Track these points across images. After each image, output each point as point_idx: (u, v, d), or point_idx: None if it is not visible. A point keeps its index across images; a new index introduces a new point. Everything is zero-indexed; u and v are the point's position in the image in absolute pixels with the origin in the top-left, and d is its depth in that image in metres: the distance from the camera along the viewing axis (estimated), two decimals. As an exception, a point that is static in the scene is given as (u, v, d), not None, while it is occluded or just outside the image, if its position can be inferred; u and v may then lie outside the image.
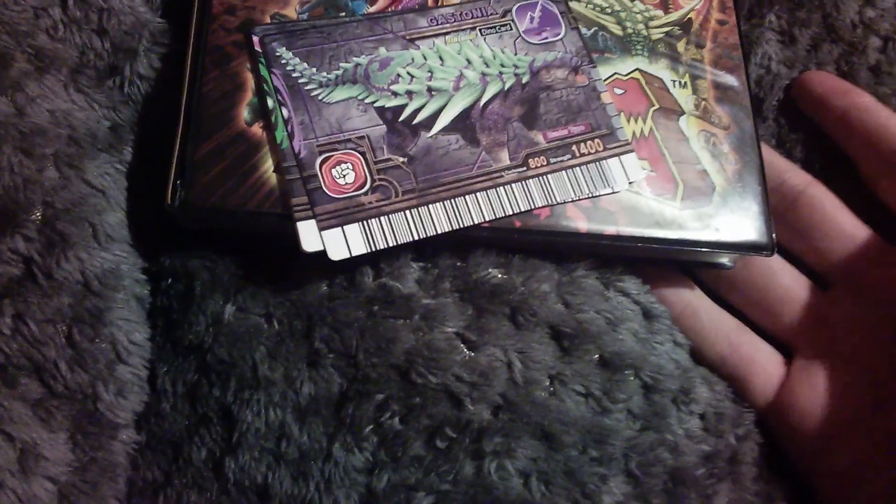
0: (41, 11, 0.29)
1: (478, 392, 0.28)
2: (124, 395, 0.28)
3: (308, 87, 0.29)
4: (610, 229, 0.29)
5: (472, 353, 0.29)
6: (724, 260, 0.32)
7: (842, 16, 0.39)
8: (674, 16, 0.34)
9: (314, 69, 0.29)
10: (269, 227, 0.28)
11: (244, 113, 0.29)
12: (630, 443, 0.30)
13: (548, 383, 0.29)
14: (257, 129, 0.28)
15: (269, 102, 0.28)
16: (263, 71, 0.29)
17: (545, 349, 0.29)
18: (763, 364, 0.34)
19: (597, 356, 0.30)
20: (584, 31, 0.33)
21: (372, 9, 0.31)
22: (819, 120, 0.37)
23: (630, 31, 0.33)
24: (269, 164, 0.28)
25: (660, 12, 0.34)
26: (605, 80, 0.32)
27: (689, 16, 0.34)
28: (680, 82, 0.33)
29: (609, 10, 0.34)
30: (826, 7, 0.39)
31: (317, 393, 0.28)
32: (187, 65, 0.29)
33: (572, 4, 0.33)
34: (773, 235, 0.31)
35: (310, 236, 0.26)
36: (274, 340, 0.28)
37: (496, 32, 0.32)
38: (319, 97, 0.29)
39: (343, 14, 0.31)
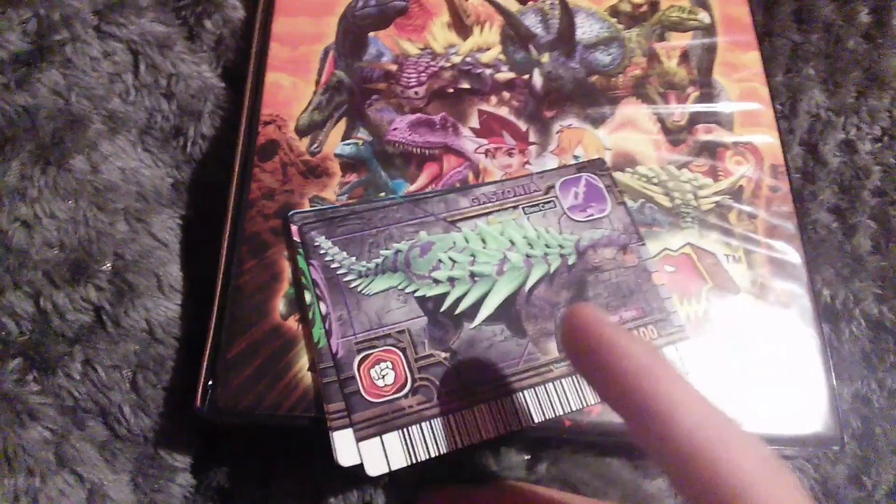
0: (116, 77, 0.32)
1: None
2: (182, 440, 0.29)
3: (347, 279, 0.28)
4: (668, 427, 0.27)
5: None
6: (790, 452, 0.30)
7: (883, 67, 0.39)
8: (724, 184, 0.33)
9: (354, 258, 0.28)
10: (302, 432, 0.26)
11: (280, 305, 0.27)
12: None
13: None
14: (293, 322, 0.27)
15: (307, 297, 0.27)
16: (302, 263, 0.28)
17: None
18: None
19: None
20: (630, 203, 0.31)
21: (412, 187, 0.31)
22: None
23: (679, 201, 0.32)
24: (303, 362, 0.27)
25: (709, 180, 0.33)
26: (654, 256, 0.30)
27: (739, 183, 0.33)
28: (734, 256, 0.31)
29: (656, 181, 0.33)
30: (864, 62, 0.39)
31: None
32: (223, 255, 0.28)
33: (617, 175, 0.32)
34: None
35: (346, 449, 0.25)
36: None
37: (540, 210, 0.30)
38: (359, 289, 0.27)
39: (383, 194, 0.30)
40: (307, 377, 0.26)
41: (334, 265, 0.28)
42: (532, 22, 0.36)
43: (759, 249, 0.32)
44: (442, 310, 0.28)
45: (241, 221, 0.29)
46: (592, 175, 0.32)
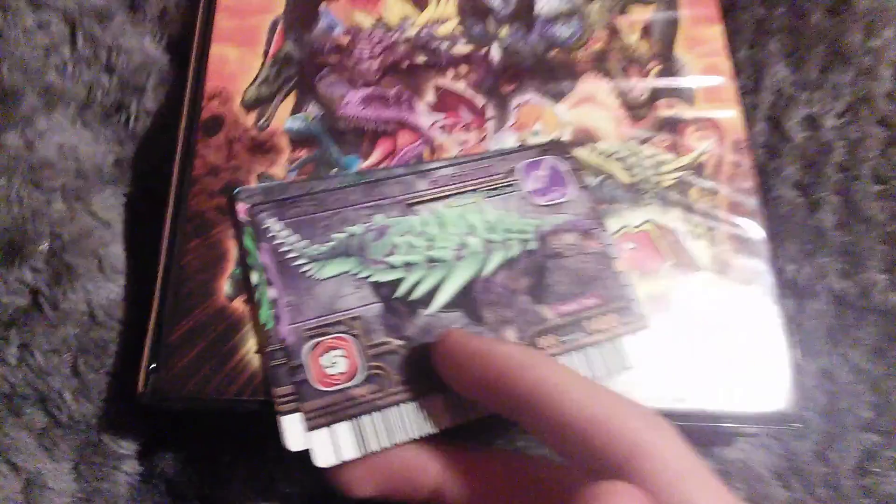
0: (51, 49, 0.30)
1: None
2: (128, 427, 0.28)
3: (298, 263, 0.26)
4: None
5: None
6: (754, 430, 0.30)
7: (847, 43, 0.38)
8: (685, 159, 0.32)
9: (306, 241, 0.27)
10: (252, 416, 0.25)
11: (225, 286, 0.26)
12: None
13: None
14: (239, 303, 0.26)
15: (255, 278, 0.26)
16: (250, 244, 0.27)
17: None
18: None
19: None
20: (590, 180, 0.31)
21: (366, 164, 0.29)
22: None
23: (639, 177, 0.31)
24: (250, 345, 0.26)
25: (670, 156, 0.32)
26: (614, 232, 0.30)
27: (700, 159, 0.32)
28: (695, 233, 0.31)
29: (616, 156, 0.32)
30: (829, 35, 0.38)
31: None
32: (165, 234, 0.27)
33: (577, 151, 0.31)
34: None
35: (294, 434, 0.24)
36: None
37: (500, 194, 0.29)
38: (310, 274, 0.26)
39: (335, 170, 0.29)
40: (254, 360, 0.25)
41: (285, 248, 0.27)
42: (491, -7, 0.35)
43: (721, 226, 0.31)
44: (397, 296, 0.27)
45: (184, 199, 0.27)
46: (555, 158, 0.31)
